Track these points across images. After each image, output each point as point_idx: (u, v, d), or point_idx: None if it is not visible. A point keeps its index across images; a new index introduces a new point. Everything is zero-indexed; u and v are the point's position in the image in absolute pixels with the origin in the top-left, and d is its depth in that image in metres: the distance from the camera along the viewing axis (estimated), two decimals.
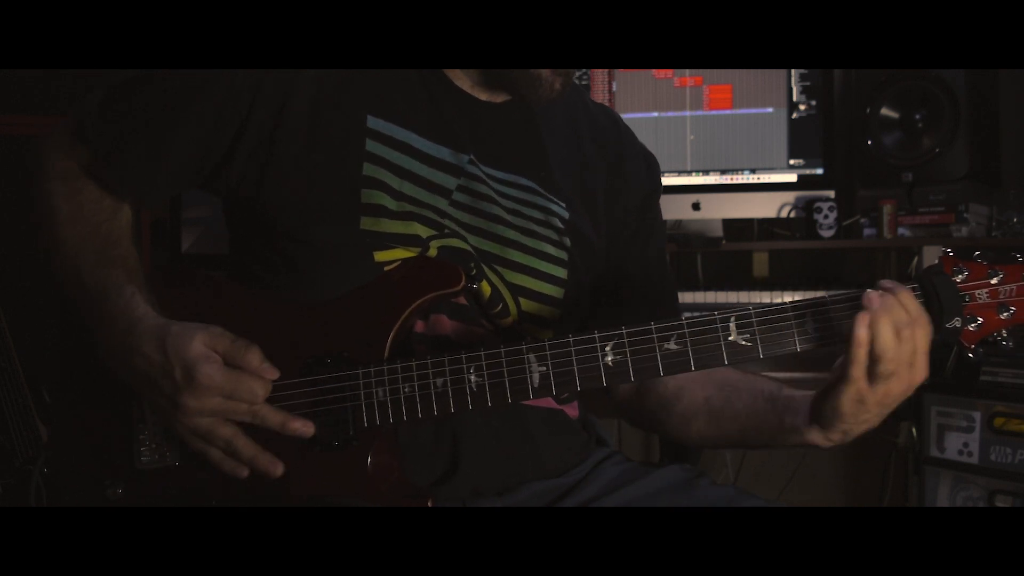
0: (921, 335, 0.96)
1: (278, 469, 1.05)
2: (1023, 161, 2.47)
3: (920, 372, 0.97)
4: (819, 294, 1.05)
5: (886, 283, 0.98)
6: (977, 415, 2.05)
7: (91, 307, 1.09)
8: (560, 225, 1.20)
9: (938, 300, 1.00)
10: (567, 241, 1.21)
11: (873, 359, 0.95)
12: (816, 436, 1.06)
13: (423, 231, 1.12)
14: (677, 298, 1.37)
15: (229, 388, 1.01)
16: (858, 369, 0.96)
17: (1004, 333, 1.02)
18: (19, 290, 2.25)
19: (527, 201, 1.19)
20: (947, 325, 1.00)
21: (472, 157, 1.16)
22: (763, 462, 2.74)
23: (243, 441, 1.04)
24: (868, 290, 0.98)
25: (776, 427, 1.12)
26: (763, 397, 1.14)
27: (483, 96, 1.19)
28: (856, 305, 0.98)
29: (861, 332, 0.95)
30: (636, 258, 1.31)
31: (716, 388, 1.19)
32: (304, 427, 1.05)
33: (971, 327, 1.01)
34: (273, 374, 1.04)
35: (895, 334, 0.95)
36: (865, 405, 0.98)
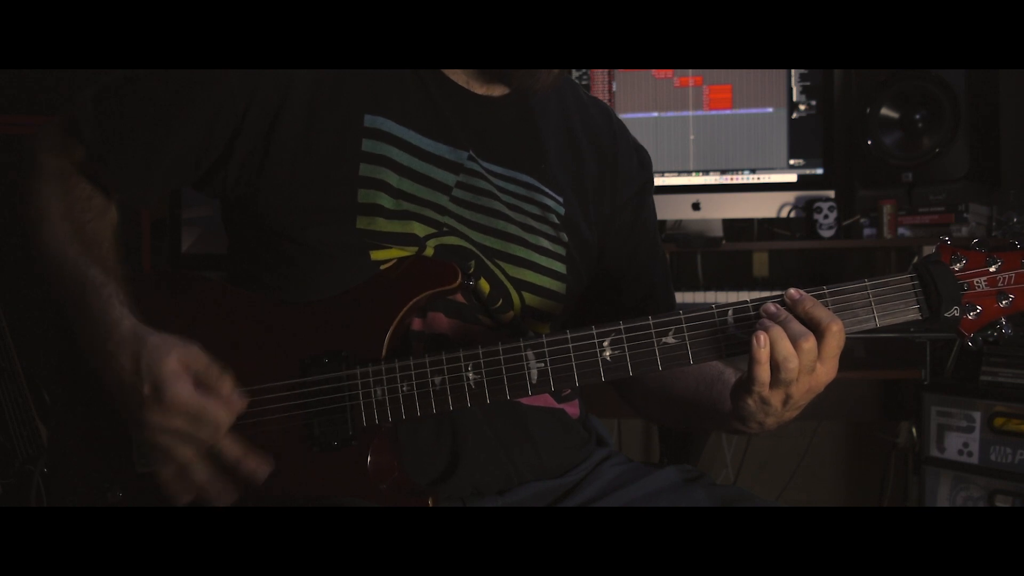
0: (824, 343, 0.97)
1: (227, 500, 1.03)
2: (1023, 161, 2.47)
3: (824, 375, 1.00)
4: None
5: (792, 293, 1.00)
6: (977, 415, 2.05)
7: (71, 304, 1.08)
8: (556, 221, 1.21)
9: (935, 289, 1.00)
10: (564, 236, 1.21)
11: (773, 368, 0.98)
12: (738, 425, 1.08)
13: (420, 230, 1.12)
14: (672, 291, 1.38)
15: (195, 411, 0.99)
16: (759, 383, 0.99)
17: (1003, 321, 1.01)
18: (19, 290, 2.25)
19: (525, 197, 1.19)
20: (945, 314, 1.01)
21: (471, 153, 1.16)
22: (763, 462, 2.74)
23: (198, 467, 1.02)
24: (767, 303, 1.00)
25: (711, 413, 1.15)
26: (704, 382, 1.17)
27: (479, 90, 1.19)
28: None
29: (759, 352, 0.97)
30: (630, 251, 1.31)
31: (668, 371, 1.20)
32: (259, 467, 1.02)
33: (970, 316, 1.01)
34: (241, 405, 1.02)
35: (793, 345, 0.97)
36: (769, 405, 1.01)
